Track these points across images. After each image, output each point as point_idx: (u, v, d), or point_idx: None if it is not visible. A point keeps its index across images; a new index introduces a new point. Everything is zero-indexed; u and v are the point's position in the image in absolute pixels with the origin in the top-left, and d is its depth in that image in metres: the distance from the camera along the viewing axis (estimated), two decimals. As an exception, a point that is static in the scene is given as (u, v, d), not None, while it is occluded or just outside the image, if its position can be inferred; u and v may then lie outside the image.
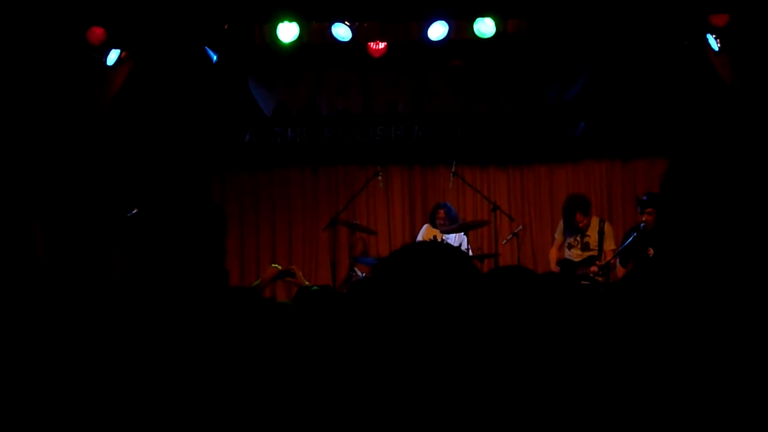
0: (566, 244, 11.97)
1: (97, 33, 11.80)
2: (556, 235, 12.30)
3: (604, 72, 13.56)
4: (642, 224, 10.72)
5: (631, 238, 10.75)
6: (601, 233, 11.64)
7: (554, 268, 11.88)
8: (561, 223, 12.15)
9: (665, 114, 13.55)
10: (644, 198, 11.02)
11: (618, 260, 11.29)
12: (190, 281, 3.00)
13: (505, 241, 12.78)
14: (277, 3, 11.76)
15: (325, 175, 14.35)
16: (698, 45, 12.40)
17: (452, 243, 12.37)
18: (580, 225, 11.75)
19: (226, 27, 12.26)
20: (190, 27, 12.04)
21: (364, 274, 12.25)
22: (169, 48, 12.55)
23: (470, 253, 12.19)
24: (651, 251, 10.87)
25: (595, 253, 11.64)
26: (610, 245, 11.66)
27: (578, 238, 11.82)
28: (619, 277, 11.40)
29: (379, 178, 13.09)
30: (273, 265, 7.35)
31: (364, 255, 13.61)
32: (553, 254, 12.18)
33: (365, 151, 14.00)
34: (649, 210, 10.73)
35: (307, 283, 6.53)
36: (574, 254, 11.83)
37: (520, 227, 12.71)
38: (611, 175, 14.18)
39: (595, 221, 11.86)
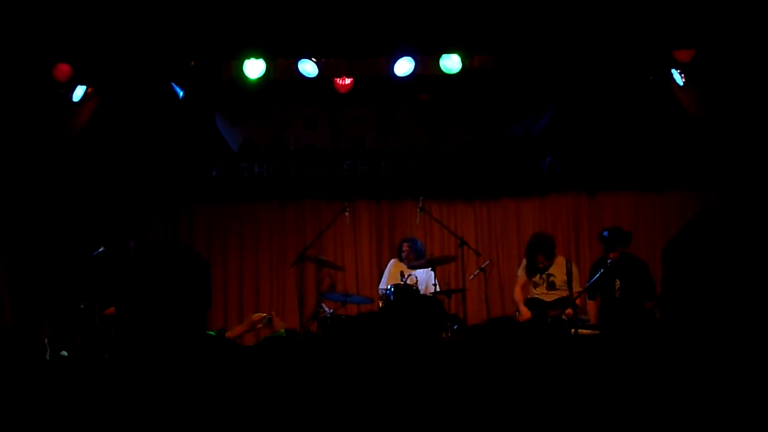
0: (531, 283, 11.93)
1: (63, 69, 11.77)
2: (519, 273, 12.20)
3: (571, 106, 13.62)
4: (609, 260, 10.79)
5: (598, 274, 10.80)
6: (569, 274, 11.61)
7: (522, 307, 11.78)
8: (524, 262, 12.10)
9: (631, 147, 13.61)
10: (606, 234, 11.08)
11: (586, 295, 11.32)
12: (174, 332, 3.01)
13: (472, 276, 12.77)
14: (244, 40, 11.75)
15: (293, 210, 14.32)
16: (663, 79, 12.49)
17: (420, 277, 12.34)
18: (540, 266, 11.74)
19: (192, 63, 12.24)
20: (156, 63, 12.01)
21: (331, 310, 12.21)
22: (136, 84, 12.52)
23: (437, 288, 12.15)
24: (618, 283, 10.94)
25: (562, 293, 11.61)
26: (576, 287, 11.63)
27: (543, 277, 11.79)
28: (588, 311, 11.43)
29: (347, 213, 13.10)
30: (264, 315, 7.38)
31: (331, 290, 13.57)
32: (518, 293, 12.06)
33: (332, 186, 14.00)
34: (617, 248, 10.82)
35: (282, 330, 6.58)
36: (540, 293, 11.78)
37: (487, 262, 12.68)
38: (578, 208, 14.21)
39: (561, 260, 11.85)
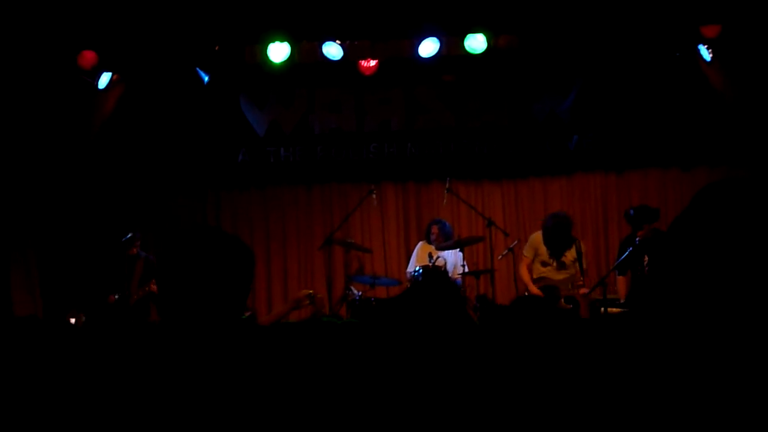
0: (539, 262, 11.72)
1: (88, 57, 11.80)
2: (525, 253, 11.85)
3: (597, 84, 13.56)
4: (637, 238, 10.71)
5: (627, 252, 10.73)
6: (579, 252, 11.44)
7: (532, 287, 11.55)
8: (533, 240, 11.86)
9: (658, 125, 13.54)
10: (631, 213, 10.98)
11: (616, 272, 11.26)
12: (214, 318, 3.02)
13: (500, 256, 12.73)
14: (268, 24, 11.75)
15: (319, 193, 14.34)
16: (690, 56, 12.40)
17: (448, 259, 12.32)
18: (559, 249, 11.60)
19: (217, 48, 12.24)
20: (181, 49, 12.03)
21: (360, 293, 12.18)
22: (161, 70, 12.54)
23: (466, 269, 12.12)
24: (646, 259, 10.85)
25: (571, 271, 11.47)
26: (585, 264, 11.50)
27: (554, 256, 11.63)
28: (618, 289, 11.35)
29: (373, 195, 13.05)
30: (309, 291, 7.38)
31: (359, 273, 13.54)
32: (525, 273, 11.70)
33: (359, 168, 13.99)
34: (643, 226, 10.72)
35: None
36: (549, 272, 11.59)
37: (516, 242, 12.60)
38: (606, 187, 14.16)
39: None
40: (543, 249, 11.62)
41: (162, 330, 3.03)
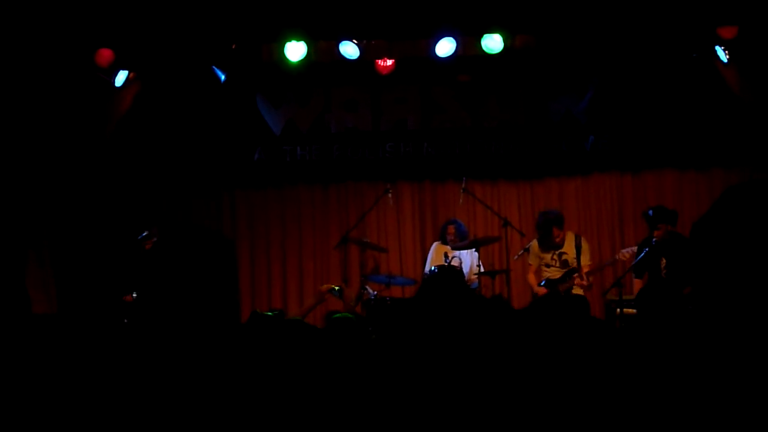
0: (544, 265, 11.85)
1: (105, 55, 11.82)
2: (530, 261, 12.17)
3: (613, 85, 13.55)
4: (654, 239, 10.70)
5: (644, 253, 10.73)
6: (578, 248, 11.56)
7: (537, 289, 11.80)
8: (532, 248, 12.05)
9: (675, 125, 13.52)
10: (650, 213, 11.00)
11: (633, 275, 11.29)
12: (203, 314, 3.03)
13: (516, 256, 12.72)
14: (285, 22, 11.75)
15: (335, 193, 14.34)
16: (707, 57, 12.36)
17: (464, 258, 12.30)
18: (557, 240, 11.68)
19: (233, 46, 12.26)
20: (197, 47, 12.04)
21: (375, 292, 12.18)
22: (178, 68, 12.55)
23: (481, 269, 12.12)
24: (664, 261, 10.84)
25: (573, 267, 11.57)
26: (586, 260, 11.61)
27: (555, 257, 11.72)
28: (635, 291, 11.37)
29: (389, 195, 13.04)
30: (332, 286, 7.41)
31: (375, 272, 13.54)
32: (531, 279, 12.08)
33: (375, 168, 13.99)
34: (660, 225, 10.72)
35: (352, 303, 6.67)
36: (553, 272, 11.72)
37: (531, 242, 12.62)
38: (622, 187, 14.13)
39: (570, 236, 11.81)
40: (543, 253, 11.75)
41: (151, 326, 3.04)
